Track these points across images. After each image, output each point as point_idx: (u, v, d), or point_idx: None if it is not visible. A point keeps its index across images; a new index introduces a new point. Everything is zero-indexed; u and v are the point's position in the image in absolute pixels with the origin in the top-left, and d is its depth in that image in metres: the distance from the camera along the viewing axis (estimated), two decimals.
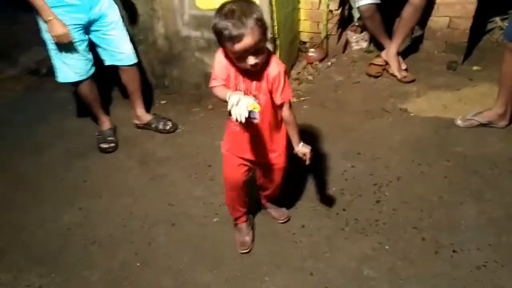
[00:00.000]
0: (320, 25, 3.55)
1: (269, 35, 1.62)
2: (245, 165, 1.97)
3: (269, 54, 1.68)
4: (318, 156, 2.64)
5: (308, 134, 2.81)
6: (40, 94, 3.69)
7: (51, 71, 2.84)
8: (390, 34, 3.44)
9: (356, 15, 3.48)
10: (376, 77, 3.37)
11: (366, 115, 2.98)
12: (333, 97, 3.23)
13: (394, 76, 3.29)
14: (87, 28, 2.63)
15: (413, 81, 3.26)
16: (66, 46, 2.57)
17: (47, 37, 2.56)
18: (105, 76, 2.97)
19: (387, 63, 3.36)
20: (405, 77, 3.26)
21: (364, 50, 3.72)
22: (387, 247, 2.09)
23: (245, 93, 1.68)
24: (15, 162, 2.92)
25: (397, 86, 3.25)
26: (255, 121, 1.74)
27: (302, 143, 1.84)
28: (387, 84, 3.30)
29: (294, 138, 1.83)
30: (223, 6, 1.52)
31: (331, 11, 3.48)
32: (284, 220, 2.27)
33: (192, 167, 2.71)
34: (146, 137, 3.03)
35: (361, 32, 3.69)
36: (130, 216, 2.43)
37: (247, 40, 1.49)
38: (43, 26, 2.52)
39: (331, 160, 2.61)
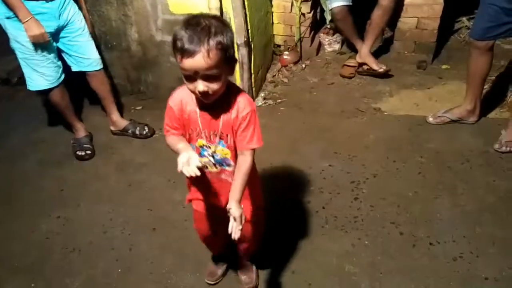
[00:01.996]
0: (293, 28, 3.60)
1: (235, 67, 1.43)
2: (216, 216, 1.74)
3: (239, 91, 1.48)
4: (296, 156, 2.68)
5: (285, 136, 2.85)
6: (11, 103, 3.61)
7: (22, 81, 2.80)
8: (362, 36, 3.52)
9: (328, 17, 3.54)
10: (350, 78, 3.44)
11: (341, 115, 3.04)
12: (308, 98, 3.28)
13: (374, 72, 3.36)
14: (55, 35, 2.63)
15: (389, 71, 3.33)
16: (36, 53, 2.56)
17: (16, 46, 2.55)
18: (78, 83, 2.93)
19: (360, 65, 3.43)
20: (382, 68, 3.33)
21: (337, 52, 3.80)
22: (366, 242, 2.13)
23: (208, 137, 1.50)
24: None
25: (370, 86, 3.33)
26: (229, 168, 1.57)
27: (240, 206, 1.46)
28: (360, 84, 3.37)
29: (238, 192, 1.48)
30: (194, 16, 1.33)
31: (303, 14, 3.54)
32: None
33: (171, 171, 2.67)
34: (123, 143, 3.00)
35: (333, 34, 3.77)
36: (110, 223, 2.40)
37: (198, 61, 1.28)
38: (11, 35, 2.50)
39: (309, 160, 2.64)
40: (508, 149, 2.55)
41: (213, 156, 1.55)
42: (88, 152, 2.90)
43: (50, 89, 2.73)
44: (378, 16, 3.23)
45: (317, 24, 3.79)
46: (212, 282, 2.04)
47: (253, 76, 3.18)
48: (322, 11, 3.62)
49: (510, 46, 3.46)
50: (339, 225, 2.23)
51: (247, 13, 2.95)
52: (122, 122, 3.04)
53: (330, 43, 3.81)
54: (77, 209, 2.51)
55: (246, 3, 2.91)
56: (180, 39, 1.29)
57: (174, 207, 2.45)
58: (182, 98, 1.49)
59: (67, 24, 2.64)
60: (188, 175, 1.35)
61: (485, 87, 2.83)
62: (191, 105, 1.48)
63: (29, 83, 2.70)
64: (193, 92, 1.37)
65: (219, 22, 1.34)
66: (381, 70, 3.32)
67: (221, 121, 1.47)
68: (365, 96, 3.22)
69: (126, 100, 3.40)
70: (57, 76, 2.72)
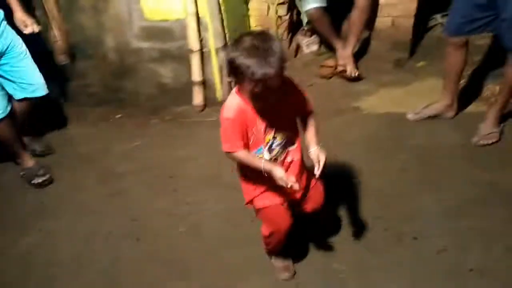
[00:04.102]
0: (270, 31, 3.60)
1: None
2: (287, 206, 1.82)
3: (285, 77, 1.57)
4: None
5: None
6: None
7: None
8: (340, 34, 3.54)
9: (304, 19, 3.57)
10: (329, 78, 3.46)
11: (322, 115, 2.99)
12: None
13: (346, 76, 3.38)
14: None
15: (362, 79, 3.36)
16: None
17: None
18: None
19: (338, 65, 3.45)
20: (357, 75, 3.35)
21: (315, 53, 3.81)
22: (352, 240, 2.14)
23: (267, 131, 1.61)
24: None
25: (349, 85, 3.35)
26: (293, 147, 1.72)
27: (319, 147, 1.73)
28: (339, 84, 3.39)
29: (314, 138, 1.75)
30: (242, 39, 1.44)
31: (280, 17, 3.55)
32: None
33: (153, 179, 2.67)
34: (103, 153, 2.95)
35: (311, 35, 3.79)
36: (93, 235, 2.35)
37: (271, 83, 1.42)
38: None
39: None
40: (486, 142, 2.60)
41: (280, 143, 1.67)
42: (48, 176, 2.73)
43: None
44: (356, 16, 3.26)
45: (294, 26, 3.80)
46: (291, 276, 2.00)
47: None
48: (299, 13, 3.65)
49: (483, 42, 3.51)
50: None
51: (224, 17, 2.95)
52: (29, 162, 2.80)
53: (308, 45, 3.83)
54: (58, 221, 2.46)
55: (222, 7, 2.91)
56: (249, 67, 1.39)
57: (158, 215, 2.43)
58: (240, 107, 1.55)
59: (7, 50, 2.50)
60: (296, 187, 1.57)
61: (461, 82, 2.88)
62: (250, 111, 1.55)
63: None
64: (259, 104, 1.52)
65: (266, 36, 1.47)
66: (352, 75, 3.33)
67: (281, 109, 1.59)
68: (345, 95, 3.24)
69: (104, 109, 3.36)
70: (5, 105, 2.58)
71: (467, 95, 2.99)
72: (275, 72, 1.40)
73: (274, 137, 1.64)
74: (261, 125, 1.60)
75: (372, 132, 2.82)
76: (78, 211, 2.51)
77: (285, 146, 1.70)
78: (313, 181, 1.86)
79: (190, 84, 3.16)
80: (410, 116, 2.88)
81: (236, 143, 1.58)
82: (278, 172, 1.57)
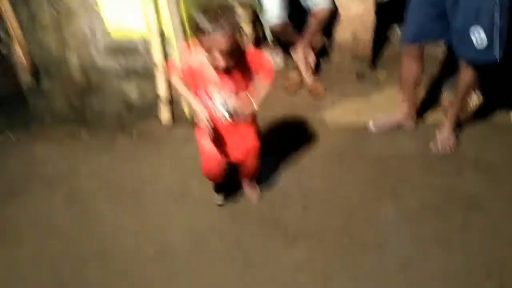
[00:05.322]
0: None
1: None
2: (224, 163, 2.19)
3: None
4: None
5: None
6: None
7: None
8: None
9: (269, 34, 3.64)
10: (295, 91, 3.52)
11: (287, 128, 3.11)
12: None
13: (313, 93, 3.45)
14: None
15: (323, 94, 3.43)
16: None
17: None
18: None
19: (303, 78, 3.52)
20: (316, 88, 3.43)
21: (281, 67, 3.88)
22: (318, 251, 2.18)
23: (216, 87, 1.93)
24: None
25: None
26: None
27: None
28: (304, 97, 3.46)
29: (255, 94, 2.05)
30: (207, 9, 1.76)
31: (245, 34, 3.60)
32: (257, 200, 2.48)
33: (121, 198, 2.65)
34: (69, 173, 2.91)
35: (277, 49, 3.86)
36: (59, 257, 2.32)
37: (219, 38, 1.72)
38: None
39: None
40: (443, 149, 2.70)
41: (223, 103, 1.99)
42: None
43: None
44: (312, 25, 3.35)
45: (260, 41, 3.87)
46: (221, 202, 2.49)
47: None
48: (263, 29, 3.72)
49: (440, 51, 3.66)
50: (291, 236, 2.28)
51: (189, 35, 2.98)
52: None
53: (274, 59, 3.89)
54: (22, 247, 2.40)
55: (186, 25, 2.94)
56: (203, 23, 1.72)
57: (126, 235, 2.41)
58: (202, 60, 1.88)
59: None
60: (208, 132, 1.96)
61: (420, 92, 2.99)
62: (210, 67, 1.88)
63: None
64: (214, 63, 1.82)
65: (230, 9, 1.85)
66: (312, 90, 3.42)
67: (237, 76, 1.93)
68: (309, 108, 3.30)
69: (70, 128, 3.32)
70: None
71: (426, 104, 3.11)
72: (223, 30, 1.71)
73: (221, 97, 1.96)
74: (213, 82, 1.92)
75: (335, 143, 2.89)
76: (44, 235, 2.46)
77: (228, 107, 2.00)
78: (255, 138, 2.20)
79: (156, 100, 3.17)
80: (371, 126, 2.96)
81: (180, 75, 1.99)
82: (202, 112, 1.93)
